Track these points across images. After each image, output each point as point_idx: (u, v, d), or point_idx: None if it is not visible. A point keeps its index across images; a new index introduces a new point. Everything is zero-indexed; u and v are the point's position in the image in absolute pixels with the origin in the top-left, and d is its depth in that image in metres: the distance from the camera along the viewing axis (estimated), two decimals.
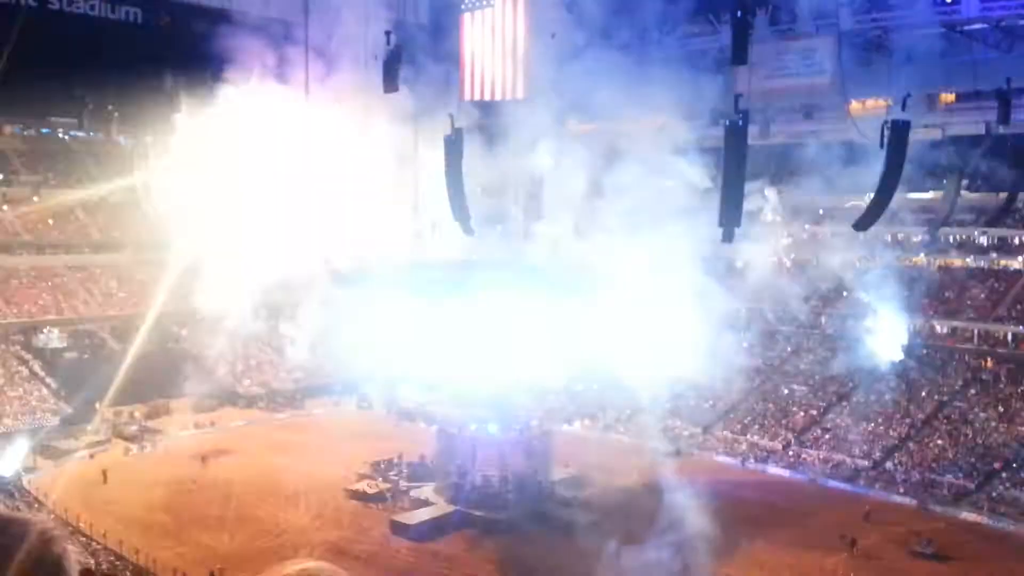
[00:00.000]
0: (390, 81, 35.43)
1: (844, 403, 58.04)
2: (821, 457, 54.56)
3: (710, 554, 37.39)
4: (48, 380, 59.57)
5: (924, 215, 60.20)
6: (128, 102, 65.64)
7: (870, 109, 54.48)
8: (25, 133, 74.31)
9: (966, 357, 58.59)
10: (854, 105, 55.59)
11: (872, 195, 26.63)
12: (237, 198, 47.82)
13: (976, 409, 54.15)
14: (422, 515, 44.90)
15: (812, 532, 43.55)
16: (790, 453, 55.76)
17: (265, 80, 48.21)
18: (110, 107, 65.30)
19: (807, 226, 62.73)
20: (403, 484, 48.72)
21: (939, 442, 53.16)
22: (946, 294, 60.79)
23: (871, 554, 41.01)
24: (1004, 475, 48.78)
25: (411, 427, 58.21)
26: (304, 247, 47.70)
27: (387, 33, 35.73)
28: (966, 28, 53.52)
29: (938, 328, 59.69)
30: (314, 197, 45.35)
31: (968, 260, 61.07)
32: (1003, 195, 60.12)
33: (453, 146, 32.79)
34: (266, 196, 46.36)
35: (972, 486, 48.85)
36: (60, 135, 75.62)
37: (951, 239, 62.06)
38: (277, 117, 45.29)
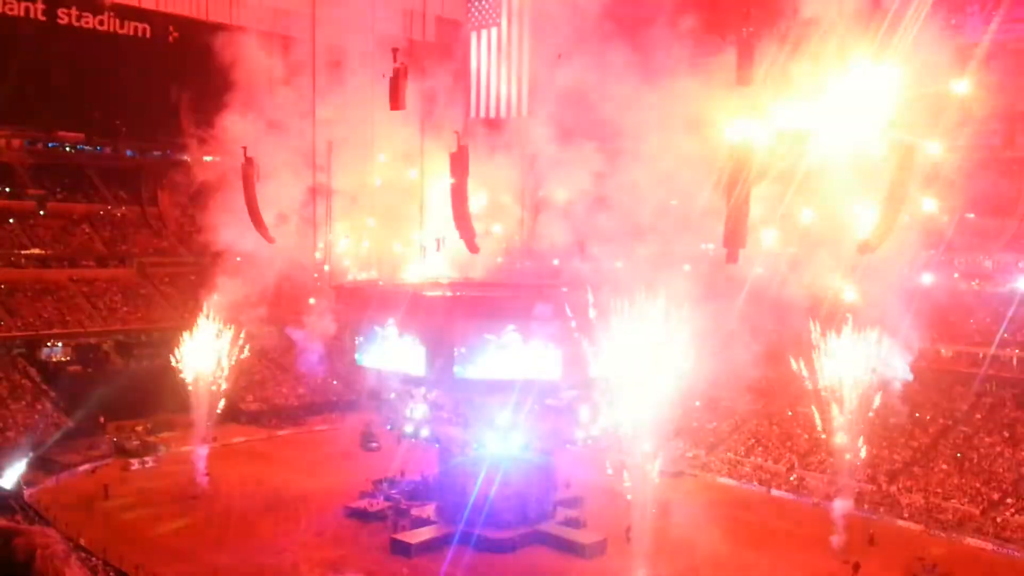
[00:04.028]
0: (396, 98, 35.44)
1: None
2: (825, 480, 54.17)
3: None
4: (51, 393, 59.49)
5: (930, 237, 59.99)
6: (136, 116, 65.93)
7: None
8: (32, 146, 74.55)
9: (972, 381, 58.26)
10: None
11: (878, 216, 26.46)
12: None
13: (981, 434, 53.78)
14: (423, 534, 44.64)
15: (816, 556, 43.22)
16: (793, 476, 55.43)
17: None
18: (117, 121, 65.65)
19: (811, 245, 62.44)
20: (404, 503, 48.47)
21: (944, 466, 52.81)
22: (951, 317, 60.50)
23: None
24: (1009, 500, 48.42)
25: (413, 445, 57.97)
26: (310, 260, 47.70)
27: (394, 51, 35.75)
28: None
29: (943, 351, 59.38)
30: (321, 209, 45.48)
31: (974, 284, 60.79)
32: (1008, 219, 60.01)
33: (458, 163, 32.76)
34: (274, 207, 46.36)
35: (977, 511, 48.54)
36: (67, 149, 75.84)
37: (957, 262, 61.79)
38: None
